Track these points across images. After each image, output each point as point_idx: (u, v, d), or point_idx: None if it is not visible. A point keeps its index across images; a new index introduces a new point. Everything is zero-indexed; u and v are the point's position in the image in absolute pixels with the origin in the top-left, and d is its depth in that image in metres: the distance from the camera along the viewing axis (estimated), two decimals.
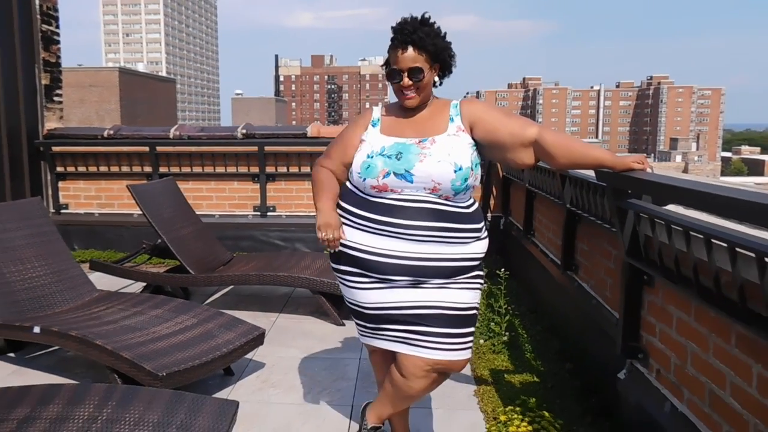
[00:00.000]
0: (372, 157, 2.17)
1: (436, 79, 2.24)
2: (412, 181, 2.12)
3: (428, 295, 2.17)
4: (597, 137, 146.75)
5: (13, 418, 2.31)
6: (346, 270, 2.26)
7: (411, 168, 2.11)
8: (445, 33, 2.20)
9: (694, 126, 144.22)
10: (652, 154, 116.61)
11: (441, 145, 2.14)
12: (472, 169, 2.15)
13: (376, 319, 2.26)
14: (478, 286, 2.28)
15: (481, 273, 2.30)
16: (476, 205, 2.28)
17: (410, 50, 2.12)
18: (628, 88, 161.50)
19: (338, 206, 2.27)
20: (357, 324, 2.39)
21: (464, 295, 2.21)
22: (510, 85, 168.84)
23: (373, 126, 2.28)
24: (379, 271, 2.17)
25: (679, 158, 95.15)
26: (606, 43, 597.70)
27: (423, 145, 2.14)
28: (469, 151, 2.16)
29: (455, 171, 2.10)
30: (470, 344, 2.25)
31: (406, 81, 2.15)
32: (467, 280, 2.22)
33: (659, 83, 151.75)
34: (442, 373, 2.27)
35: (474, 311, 2.26)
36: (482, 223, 2.28)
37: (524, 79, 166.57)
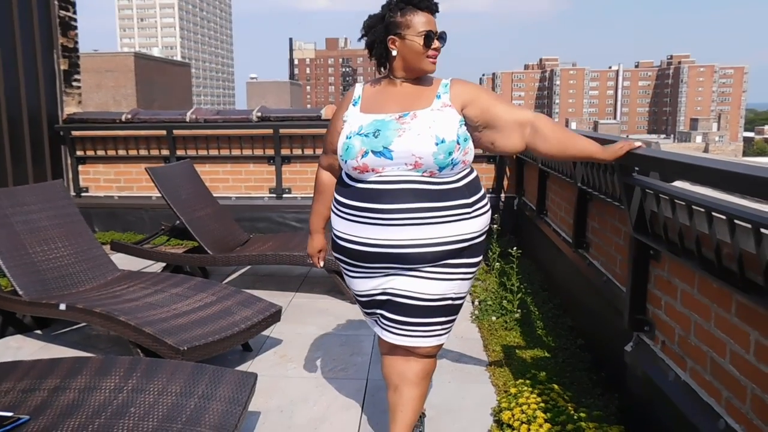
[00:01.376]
0: (350, 137, 2.10)
1: None
2: (391, 158, 2.03)
3: (397, 283, 2.13)
4: (615, 118, 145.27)
5: (44, 388, 2.43)
6: (338, 257, 2.26)
7: (389, 144, 2.03)
8: None
9: (716, 106, 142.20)
10: (672, 135, 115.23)
11: (422, 119, 2.06)
12: (458, 143, 2.06)
13: (367, 305, 2.28)
14: (460, 276, 2.17)
15: (470, 261, 2.17)
16: (470, 177, 2.17)
17: (435, 16, 2.09)
18: (648, 67, 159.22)
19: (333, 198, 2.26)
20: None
21: (432, 286, 2.12)
22: (527, 66, 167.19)
23: (353, 105, 2.20)
24: (362, 260, 2.15)
25: (699, 139, 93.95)
26: (625, 22, 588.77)
27: (403, 120, 2.06)
28: (455, 125, 2.07)
29: (437, 144, 2.01)
30: (434, 333, 2.19)
31: (437, 44, 2.08)
32: (444, 270, 2.12)
33: (680, 62, 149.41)
34: (410, 352, 2.23)
35: (447, 302, 2.17)
36: (476, 197, 2.17)
37: (541, 59, 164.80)
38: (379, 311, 2.24)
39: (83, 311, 3.37)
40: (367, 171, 2.08)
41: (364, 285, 2.23)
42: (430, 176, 2.07)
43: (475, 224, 2.15)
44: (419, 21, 2.05)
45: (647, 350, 2.51)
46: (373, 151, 2.05)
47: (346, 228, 2.17)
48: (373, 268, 2.16)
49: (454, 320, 2.25)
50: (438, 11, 2.10)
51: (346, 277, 2.31)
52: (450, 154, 2.04)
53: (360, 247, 2.13)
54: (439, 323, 2.19)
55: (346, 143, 2.10)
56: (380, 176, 2.07)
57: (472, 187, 2.16)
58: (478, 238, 2.18)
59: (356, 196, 2.12)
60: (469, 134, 2.13)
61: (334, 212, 2.23)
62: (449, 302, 2.18)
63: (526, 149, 2.16)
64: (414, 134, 2.03)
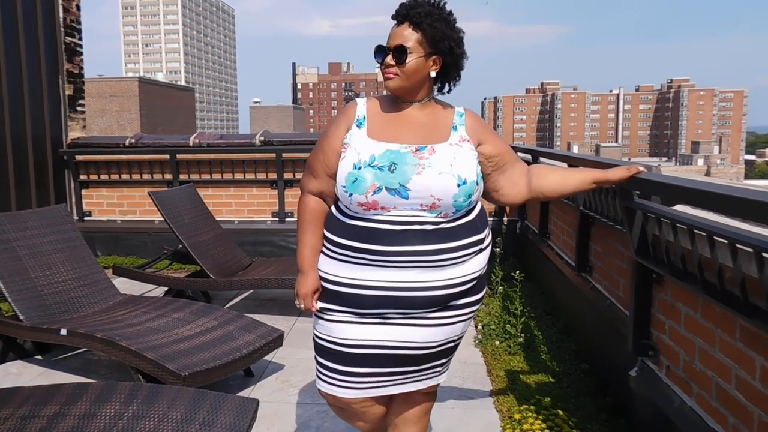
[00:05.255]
0: (359, 168, 1.80)
1: (433, 74, 1.88)
2: (407, 198, 1.78)
3: (393, 333, 1.89)
4: (617, 141, 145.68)
5: (43, 415, 2.41)
6: (325, 306, 1.95)
7: (407, 182, 1.77)
8: (455, 20, 1.87)
9: (716, 129, 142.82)
10: (674, 158, 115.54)
11: (442, 154, 1.82)
12: (477, 184, 1.86)
13: (349, 359, 1.95)
14: (463, 317, 1.97)
15: (473, 299, 1.97)
16: (478, 207, 1.96)
17: (405, 27, 1.82)
18: (648, 91, 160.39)
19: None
20: (324, 369, 2.01)
21: (435, 333, 1.92)
22: (528, 90, 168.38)
23: (358, 127, 1.89)
24: (357, 305, 1.88)
25: (701, 161, 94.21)
26: (625, 46, 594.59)
27: (421, 155, 1.81)
28: (474, 163, 1.87)
29: (459, 185, 1.79)
30: (432, 375, 2.05)
31: (388, 60, 1.83)
32: (447, 314, 1.91)
33: (680, 86, 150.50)
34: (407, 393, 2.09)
35: (448, 345, 1.99)
36: (486, 230, 1.96)
37: (542, 83, 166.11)
38: (360, 369, 1.94)
39: (84, 336, 3.36)
40: (375, 209, 1.80)
41: (352, 332, 1.92)
42: (444, 217, 1.84)
43: (482, 259, 1.95)
44: (389, 34, 1.88)
45: (652, 375, 2.49)
46: (387, 188, 1.78)
47: (337, 269, 1.90)
48: (366, 314, 1.89)
49: (452, 356, 2.10)
50: (406, 21, 1.83)
51: (328, 324, 1.95)
52: (469, 196, 1.84)
53: (355, 290, 1.87)
54: (439, 365, 2.05)
55: (354, 174, 1.80)
56: (387, 215, 1.81)
57: (483, 217, 1.96)
58: (482, 271, 1.99)
59: (353, 234, 1.85)
60: (481, 173, 1.95)
61: (326, 253, 1.95)
62: (451, 344, 2.01)
63: (530, 196, 2.05)
64: (435, 172, 1.78)
